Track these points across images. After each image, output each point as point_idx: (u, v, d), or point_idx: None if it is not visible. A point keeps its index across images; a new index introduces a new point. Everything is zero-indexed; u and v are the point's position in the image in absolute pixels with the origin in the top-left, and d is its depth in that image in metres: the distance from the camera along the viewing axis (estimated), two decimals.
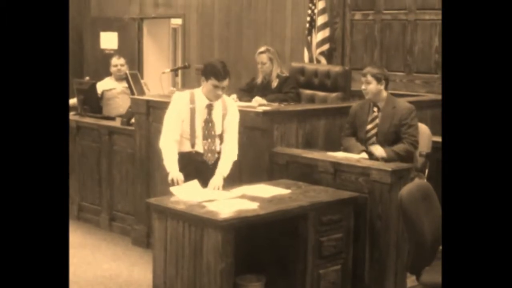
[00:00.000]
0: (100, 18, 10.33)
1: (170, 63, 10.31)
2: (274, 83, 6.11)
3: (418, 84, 6.93)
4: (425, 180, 4.87)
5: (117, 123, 6.40)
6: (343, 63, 7.38)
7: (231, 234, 3.80)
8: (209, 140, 4.58)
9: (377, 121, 5.04)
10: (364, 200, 4.37)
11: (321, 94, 6.20)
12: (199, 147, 4.59)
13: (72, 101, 6.68)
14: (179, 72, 8.38)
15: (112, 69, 7.11)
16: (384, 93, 5.06)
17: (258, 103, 5.45)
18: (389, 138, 4.96)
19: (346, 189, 4.45)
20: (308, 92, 6.28)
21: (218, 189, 4.34)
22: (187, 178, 4.40)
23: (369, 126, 5.05)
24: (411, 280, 4.31)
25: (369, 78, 5.01)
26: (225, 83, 4.52)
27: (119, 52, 8.96)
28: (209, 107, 4.58)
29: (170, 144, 4.55)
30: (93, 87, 6.99)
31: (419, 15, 6.91)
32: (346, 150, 5.03)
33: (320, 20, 7.33)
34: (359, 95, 5.44)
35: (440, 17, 6.61)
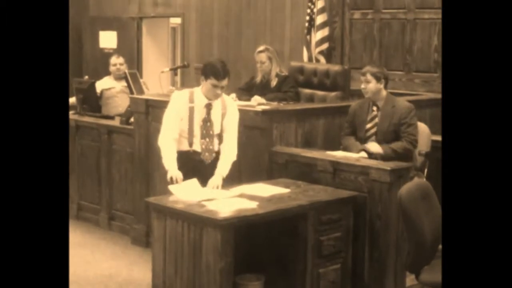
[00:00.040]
0: (99, 17, 10.33)
1: (169, 62, 10.31)
2: (273, 82, 6.12)
3: (417, 83, 6.93)
4: (424, 179, 4.87)
5: (116, 122, 6.40)
6: (342, 62, 7.38)
7: (231, 233, 3.80)
8: (207, 140, 4.58)
9: (376, 120, 5.04)
10: (364, 199, 4.37)
11: (320, 93, 6.20)
12: (197, 146, 4.59)
13: (71, 100, 6.67)
14: (178, 71, 8.38)
15: (111, 68, 7.11)
16: (384, 92, 5.06)
17: (257, 102, 5.45)
18: (389, 137, 4.96)
19: (345, 188, 4.45)
20: (307, 91, 6.28)
21: (217, 188, 4.34)
22: (185, 176, 4.40)
23: (368, 125, 5.05)
24: (410, 279, 4.32)
25: (369, 77, 5.01)
26: (224, 82, 4.51)
27: (118, 51, 8.97)
28: (208, 107, 4.58)
29: (169, 143, 4.55)
30: (92, 86, 6.98)
31: (418, 14, 6.92)
32: (345, 149, 5.03)
33: (319, 19, 7.33)
34: (358, 94, 5.44)
35: (439, 16, 6.61)
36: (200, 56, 8.81)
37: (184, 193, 4.18)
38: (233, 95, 5.62)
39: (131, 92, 6.36)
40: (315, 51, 7.32)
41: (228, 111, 4.62)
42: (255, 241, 4.30)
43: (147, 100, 5.77)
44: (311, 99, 6.21)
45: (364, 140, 5.01)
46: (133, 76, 6.57)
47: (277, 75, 6.13)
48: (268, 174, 4.86)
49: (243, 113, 4.76)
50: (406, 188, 3.80)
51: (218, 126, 4.60)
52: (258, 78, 6.20)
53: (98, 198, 6.51)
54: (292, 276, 4.22)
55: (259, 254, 4.33)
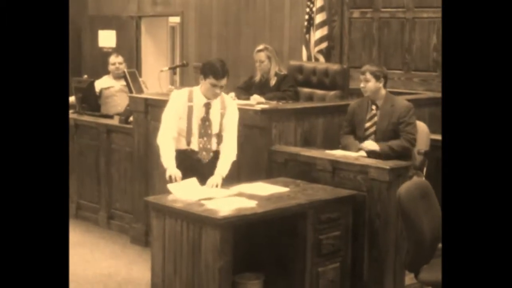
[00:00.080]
0: (98, 16, 10.33)
1: (168, 61, 10.31)
2: (272, 81, 6.11)
3: (416, 82, 6.93)
4: (423, 178, 4.87)
5: (115, 121, 6.40)
6: (342, 61, 7.38)
7: (230, 232, 3.80)
8: (205, 139, 4.58)
9: (375, 119, 5.04)
10: (363, 198, 4.37)
11: (319, 92, 6.20)
12: (194, 145, 4.59)
13: (71, 99, 6.67)
14: (177, 70, 8.41)
15: (110, 67, 7.10)
16: (383, 91, 5.06)
17: (256, 101, 5.45)
18: (388, 136, 4.96)
19: (344, 187, 4.45)
20: (306, 90, 6.27)
21: (217, 186, 4.34)
22: (183, 175, 4.40)
23: (367, 124, 5.05)
24: (409, 278, 4.32)
25: (368, 76, 5.01)
26: (223, 82, 4.51)
27: (117, 50, 8.97)
28: (207, 106, 4.58)
29: (168, 141, 4.55)
30: (91, 85, 6.98)
31: (417, 13, 6.92)
32: (344, 148, 5.03)
33: (318, 18, 7.33)
34: (358, 93, 5.44)
35: (438, 15, 6.62)
36: (199, 55, 8.81)
37: (183, 192, 4.18)
38: (232, 94, 5.61)
39: (130, 91, 6.36)
40: (314, 50, 7.32)
41: (228, 110, 4.62)
42: (254, 240, 4.30)
43: (146, 99, 5.77)
44: (310, 98, 6.21)
45: (363, 139, 5.01)
46: (132, 75, 6.57)
47: (276, 74, 6.13)
48: (267, 173, 4.86)
49: (242, 112, 4.76)
50: (405, 187, 3.80)
51: (217, 126, 4.59)
52: (257, 77, 6.20)
53: (97, 197, 6.50)
54: (291, 275, 4.22)
55: (258, 253, 4.33)
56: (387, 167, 4.30)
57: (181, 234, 3.94)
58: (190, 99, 4.59)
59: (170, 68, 7.23)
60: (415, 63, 6.95)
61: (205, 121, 4.57)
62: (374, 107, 5.06)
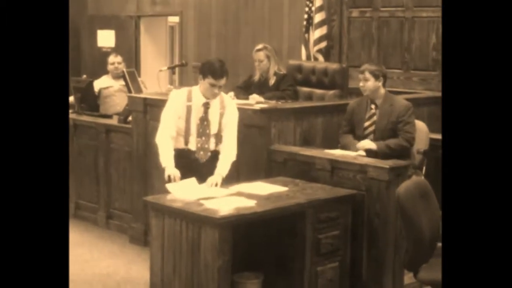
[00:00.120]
0: (97, 16, 10.32)
1: (167, 61, 10.31)
2: (272, 81, 6.11)
3: (415, 82, 6.93)
4: (422, 177, 4.87)
5: (114, 121, 6.40)
6: (341, 61, 7.38)
7: (229, 232, 3.80)
8: (203, 138, 4.57)
9: (374, 118, 5.04)
10: (362, 197, 4.37)
11: (318, 91, 6.20)
12: (192, 145, 4.58)
13: (70, 99, 6.67)
14: (176, 70, 8.40)
15: (109, 67, 7.10)
16: (382, 90, 5.06)
17: (255, 101, 5.44)
18: (387, 135, 4.95)
19: (343, 186, 4.45)
20: (305, 89, 6.27)
21: (216, 185, 4.33)
22: (180, 175, 4.39)
23: (366, 123, 5.05)
24: (408, 277, 4.32)
25: (367, 75, 5.00)
26: (222, 81, 4.51)
27: (116, 50, 8.97)
28: (206, 106, 4.58)
29: (166, 140, 4.54)
30: (90, 85, 6.98)
31: (417, 12, 6.92)
32: (343, 147, 5.03)
33: (318, 17, 7.34)
34: (357, 92, 5.44)
35: (437, 14, 6.62)
36: (198, 55, 8.81)
37: (182, 191, 4.17)
38: (231, 93, 5.61)
39: (129, 91, 6.35)
40: (313, 49, 7.32)
41: (227, 110, 4.61)
42: (253, 239, 4.30)
43: (145, 99, 5.76)
44: (309, 97, 6.21)
45: (362, 138, 5.00)
46: (131, 75, 6.57)
47: (275, 74, 6.12)
48: (267, 172, 4.86)
49: (241, 111, 4.76)
50: (404, 186, 3.80)
51: (216, 126, 4.59)
52: (256, 77, 6.19)
53: (96, 197, 6.50)
54: (290, 275, 4.22)
55: (257, 253, 4.33)
56: (386, 166, 4.30)
57: (180, 233, 3.93)
58: (189, 99, 4.59)
59: (169, 68, 7.24)
60: (414, 63, 6.95)
61: (204, 121, 4.57)
62: (373, 106, 5.06)
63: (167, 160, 4.47)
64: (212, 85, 4.49)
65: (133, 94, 6.12)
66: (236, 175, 4.71)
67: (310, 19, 7.38)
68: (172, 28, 10.74)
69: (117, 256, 5.65)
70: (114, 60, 7.09)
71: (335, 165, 4.54)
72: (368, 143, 4.90)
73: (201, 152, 4.58)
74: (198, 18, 9.03)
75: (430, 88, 6.72)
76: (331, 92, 6.10)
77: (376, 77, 5.00)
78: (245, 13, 8.47)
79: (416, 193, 3.80)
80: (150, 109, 5.66)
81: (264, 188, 4.35)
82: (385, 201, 4.29)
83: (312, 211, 4.15)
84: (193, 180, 4.34)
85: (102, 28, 10.16)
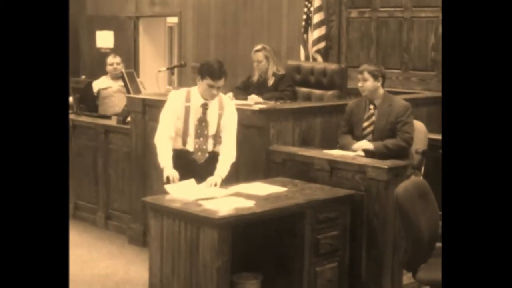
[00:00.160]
0: (96, 16, 10.32)
1: (166, 61, 10.31)
2: (270, 81, 6.11)
3: (414, 82, 6.94)
4: (421, 178, 4.87)
5: (113, 122, 6.40)
6: (339, 61, 7.38)
7: (228, 232, 3.80)
8: (201, 139, 4.57)
9: (373, 118, 5.04)
10: (361, 197, 4.37)
11: (317, 92, 6.20)
12: (190, 146, 4.58)
13: (68, 99, 6.67)
14: (175, 70, 8.35)
15: (108, 67, 7.10)
16: (381, 91, 5.06)
17: (254, 101, 5.44)
18: (385, 136, 4.95)
19: (342, 186, 4.45)
20: (304, 90, 6.27)
21: (215, 185, 4.33)
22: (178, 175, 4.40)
23: (365, 124, 5.05)
24: (407, 277, 4.32)
25: (366, 75, 5.00)
26: (221, 83, 4.50)
27: (115, 50, 8.97)
28: (204, 106, 4.57)
29: (165, 141, 4.54)
30: (89, 85, 6.98)
31: (415, 12, 6.92)
32: (342, 148, 5.03)
33: (316, 18, 7.34)
34: (355, 93, 5.44)
35: (436, 14, 6.64)
36: (197, 55, 8.81)
37: (181, 192, 4.17)
38: (230, 94, 5.61)
39: (128, 92, 6.35)
40: (312, 49, 7.33)
41: (226, 111, 4.61)
42: (252, 240, 4.30)
43: (144, 100, 5.76)
44: (308, 98, 6.21)
45: (361, 139, 5.01)
46: (130, 76, 6.57)
47: (274, 74, 6.12)
48: (265, 173, 4.85)
49: (240, 112, 4.76)
50: (403, 186, 3.80)
51: (214, 127, 4.58)
52: (255, 77, 6.19)
53: (95, 198, 6.50)
54: (289, 275, 4.22)
55: (256, 253, 4.33)
56: (385, 166, 4.30)
57: (179, 234, 3.93)
58: (188, 99, 4.58)
59: (168, 69, 7.22)
60: (413, 63, 6.95)
61: (202, 121, 4.57)
62: (372, 106, 5.06)
63: (165, 161, 4.47)
64: (210, 86, 4.48)
65: (132, 95, 6.12)
66: (235, 175, 4.71)
67: (308, 20, 7.39)
68: (171, 28, 10.74)
69: (116, 256, 5.65)
70: (113, 60, 7.09)
71: (334, 166, 4.54)
72: (364, 144, 4.90)
73: (199, 153, 4.57)
74: (197, 19, 9.03)
75: (429, 88, 6.72)
76: (330, 92, 6.10)
77: (375, 77, 5.00)
78: (244, 14, 8.47)
79: (414, 193, 3.80)
80: (149, 110, 5.66)
81: (263, 188, 4.35)
82: (384, 201, 4.29)
83: (311, 212, 4.15)
84: (191, 182, 4.34)
85: (101, 28, 10.16)
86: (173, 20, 9.98)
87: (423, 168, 5.24)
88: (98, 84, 7.04)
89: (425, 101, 6.15)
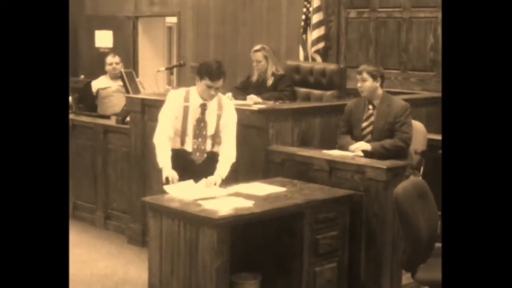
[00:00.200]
0: (95, 16, 10.32)
1: (165, 61, 10.31)
2: (269, 81, 6.11)
3: (413, 82, 6.94)
4: (420, 178, 4.87)
5: (112, 122, 6.40)
6: (338, 61, 7.38)
7: (227, 232, 3.80)
8: (200, 140, 4.57)
9: (372, 119, 5.04)
10: (360, 197, 4.37)
11: (316, 92, 6.20)
12: (188, 146, 4.58)
13: None
14: (174, 70, 8.37)
15: (107, 67, 7.10)
16: (380, 91, 5.06)
17: (253, 101, 5.44)
18: (384, 136, 4.96)
19: (341, 187, 4.45)
20: (303, 90, 6.27)
21: (215, 184, 4.33)
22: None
23: (364, 124, 5.05)
24: (406, 277, 4.32)
25: (365, 75, 5.01)
26: (219, 83, 4.50)
27: (114, 50, 8.96)
28: (203, 107, 4.57)
29: (164, 141, 4.54)
30: (88, 85, 6.98)
31: (414, 13, 6.93)
32: (341, 148, 5.03)
33: (315, 18, 7.35)
34: (354, 93, 5.44)
35: (435, 14, 6.64)
36: (196, 55, 8.81)
37: (180, 193, 4.17)
38: (229, 94, 5.61)
39: (127, 92, 6.35)
40: (311, 50, 7.33)
41: (225, 111, 4.60)
42: (251, 240, 4.30)
43: (143, 99, 5.76)
44: (307, 98, 6.21)
45: (360, 139, 5.01)
46: (129, 75, 6.57)
47: (273, 74, 6.12)
48: (264, 173, 4.86)
49: (239, 112, 4.76)
50: (402, 187, 3.81)
51: (213, 127, 4.58)
52: (254, 77, 6.20)
53: (94, 197, 6.50)
54: (288, 275, 4.22)
55: (255, 253, 4.33)
56: (384, 166, 4.30)
57: (178, 234, 3.94)
58: (187, 99, 4.58)
59: (167, 68, 7.22)
60: (412, 63, 6.96)
61: (200, 122, 4.57)
62: (371, 106, 5.06)
63: (164, 161, 4.47)
64: (209, 87, 4.48)
65: (131, 95, 6.12)
66: (234, 175, 4.71)
67: (308, 20, 7.39)
68: (170, 28, 10.75)
69: (115, 256, 5.65)
70: (112, 60, 7.09)
71: (333, 166, 4.54)
72: (362, 144, 4.91)
73: (197, 153, 4.58)
74: (196, 19, 9.03)
75: (428, 88, 6.73)
76: (329, 92, 6.10)
77: (374, 77, 5.01)
78: (243, 14, 8.47)
79: (414, 194, 3.80)
80: (148, 110, 5.66)
81: (262, 188, 4.35)
82: (383, 201, 4.29)
83: (310, 212, 4.15)
84: (190, 182, 4.34)
85: (100, 28, 10.16)
86: (172, 20, 9.98)
87: (422, 168, 5.24)
88: (97, 84, 7.04)
89: (424, 101, 6.15)
